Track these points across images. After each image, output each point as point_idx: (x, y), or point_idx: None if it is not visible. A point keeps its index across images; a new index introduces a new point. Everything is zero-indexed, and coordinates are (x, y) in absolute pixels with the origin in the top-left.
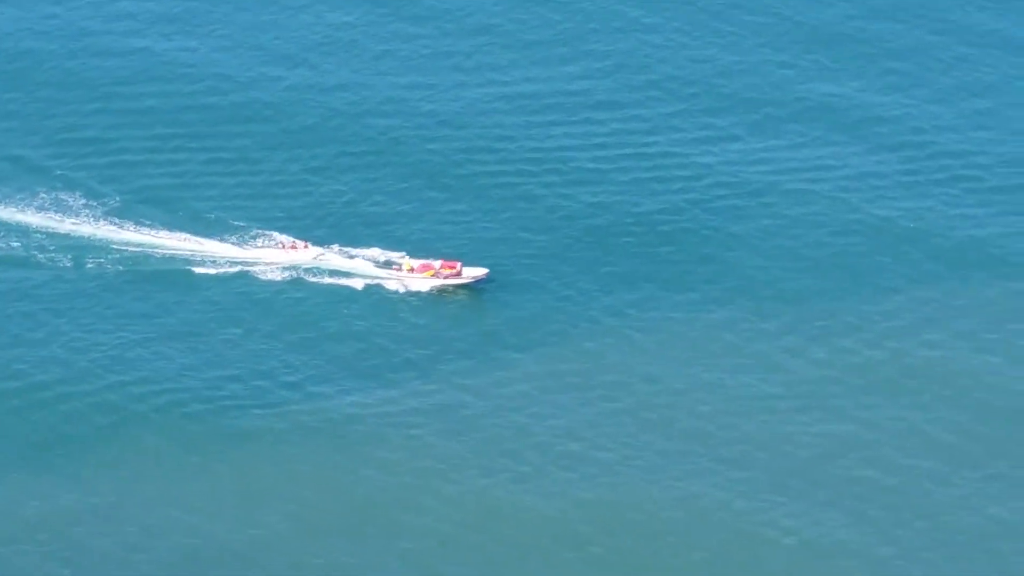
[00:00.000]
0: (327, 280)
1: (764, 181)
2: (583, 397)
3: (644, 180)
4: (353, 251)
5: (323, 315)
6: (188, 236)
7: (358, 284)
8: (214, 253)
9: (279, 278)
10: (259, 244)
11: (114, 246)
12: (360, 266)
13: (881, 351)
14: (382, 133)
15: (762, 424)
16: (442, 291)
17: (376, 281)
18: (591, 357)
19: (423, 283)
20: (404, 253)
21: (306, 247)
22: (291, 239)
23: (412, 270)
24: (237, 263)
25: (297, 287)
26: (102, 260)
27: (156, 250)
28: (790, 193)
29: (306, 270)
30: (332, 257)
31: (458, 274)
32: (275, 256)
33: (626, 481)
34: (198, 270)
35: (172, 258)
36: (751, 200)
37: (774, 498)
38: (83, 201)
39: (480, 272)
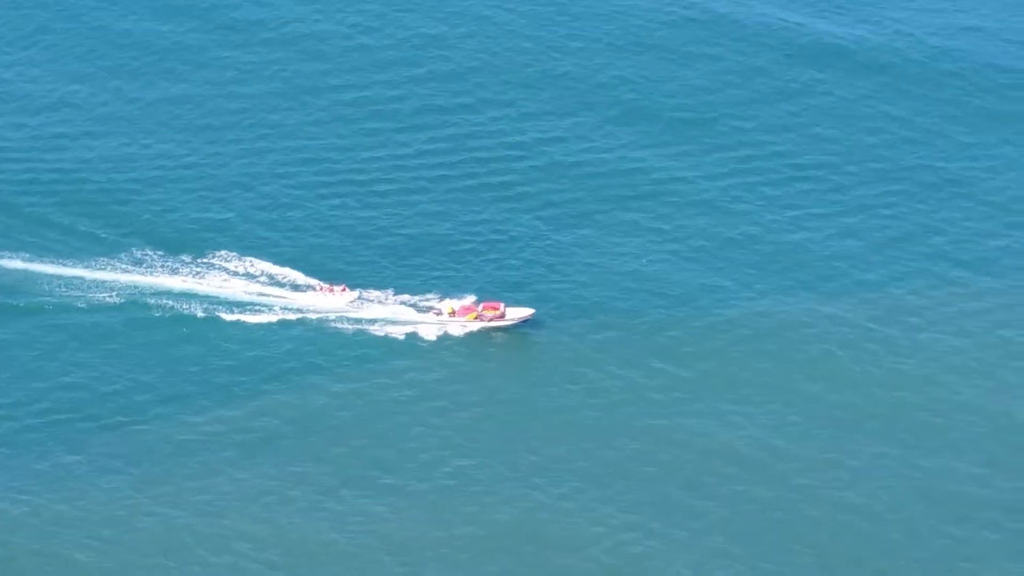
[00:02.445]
0: (363, 328)
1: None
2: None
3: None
4: (390, 296)
5: (362, 365)
6: (217, 276)
7: (398, 331)
8: (243, 295)
9: (316, 323)
10: (295, 288)
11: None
12: (398, 312)
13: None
14: None
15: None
16: (484, 334)
17: (417, 327)
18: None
19: (465, 326)
20: (440, 296)
21: (343, 291)
22: (328, 283)
23: (453, 313)
24: (277, 308)
25: (335, 335)
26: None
27: (171, 291)
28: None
29: (344, 318)
30: (369, 303)
31: (502, 316)
32: (312, 300)
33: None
34: (229, 316)
35: (194, 296)
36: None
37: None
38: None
39: (525, 313)
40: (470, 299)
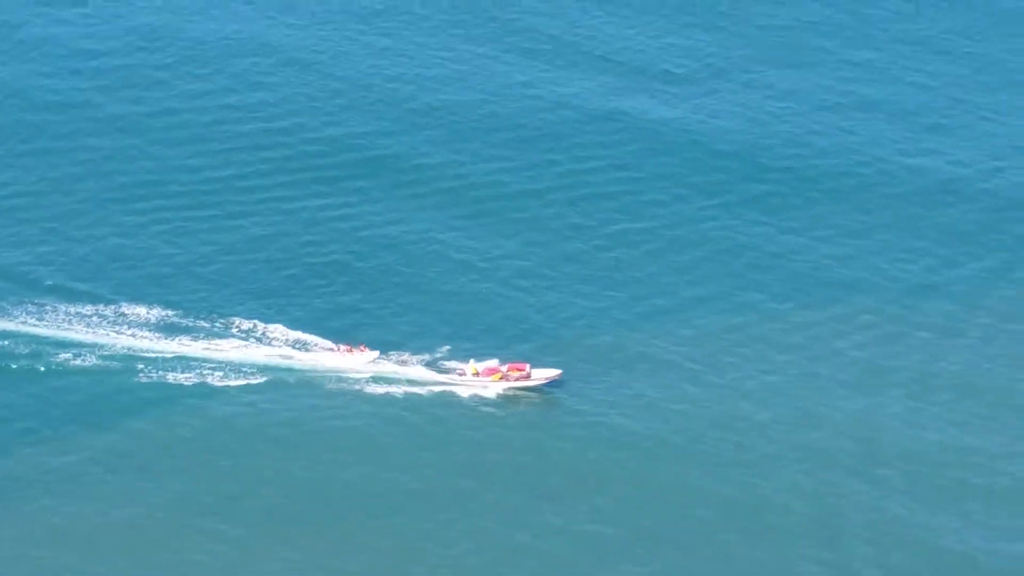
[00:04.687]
0: (383, 390)
1: None
2: None
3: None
4: (410, 356)
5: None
6: (229, 342)
7: (421, 391)
8: (259, 358)
9: (336, 388)
10: (312, 350)
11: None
12: (419, 372)
13: None
14: None
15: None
16: (512, 396)
17: (439, 388)
18: None
19: (491, 388)
20: (471, 359)
21: (362, 350)
22: (346, 344)
23: (477, 374)
24: (291, 371)
25: (356, 401)
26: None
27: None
28: None
29: (363, 379)
30: (388, 363)
31: (527, 376)
32: (331, 361)
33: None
34: (224, 383)
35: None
36: None
37: None
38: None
39: (552, 373)
40: (494, 360)
